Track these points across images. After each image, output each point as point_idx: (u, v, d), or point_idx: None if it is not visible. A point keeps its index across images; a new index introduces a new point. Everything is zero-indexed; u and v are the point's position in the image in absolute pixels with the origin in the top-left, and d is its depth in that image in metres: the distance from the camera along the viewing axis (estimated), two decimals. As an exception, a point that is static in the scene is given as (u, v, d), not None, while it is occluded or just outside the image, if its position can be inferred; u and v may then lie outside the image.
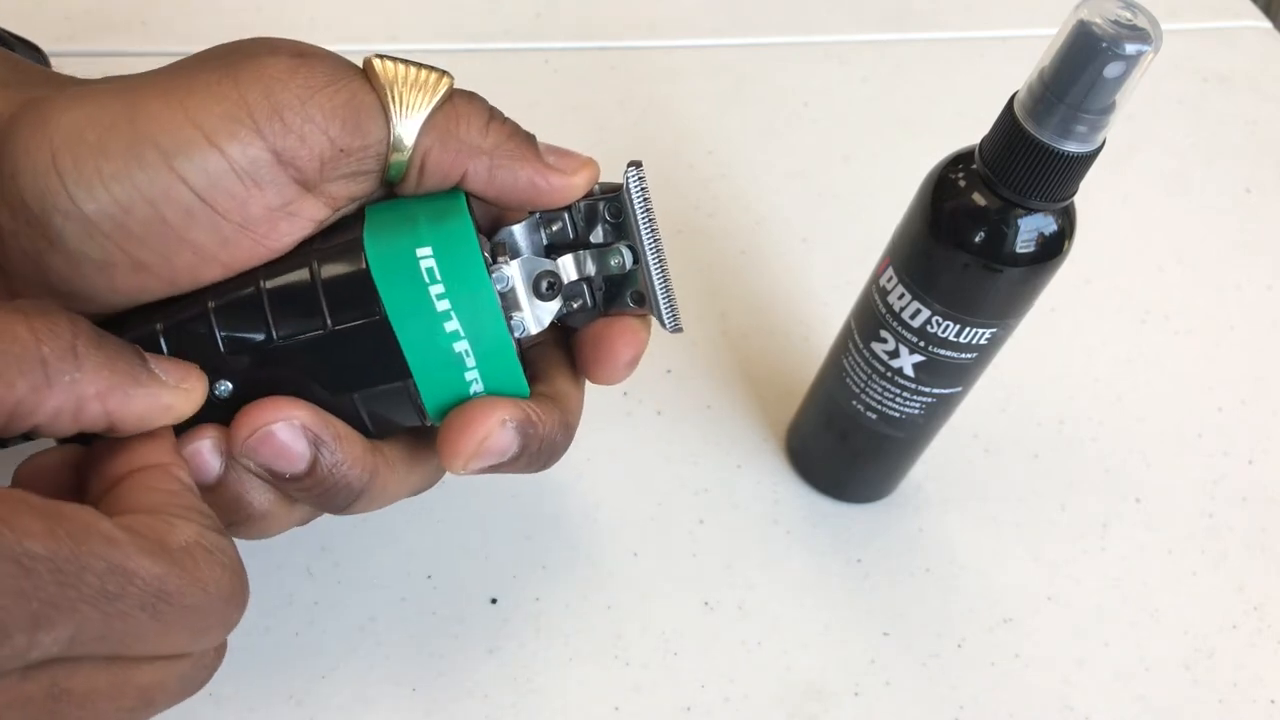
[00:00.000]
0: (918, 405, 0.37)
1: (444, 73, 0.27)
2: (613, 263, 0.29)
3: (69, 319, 0.23)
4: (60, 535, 0.20)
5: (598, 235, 0.29)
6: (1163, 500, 0.46)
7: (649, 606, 0.40)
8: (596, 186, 0.29)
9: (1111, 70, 0.28)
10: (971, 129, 0.34)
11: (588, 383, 0.31)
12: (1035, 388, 0.49)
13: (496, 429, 0.27)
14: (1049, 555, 0.44)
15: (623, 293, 0.29)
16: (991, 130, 0.31)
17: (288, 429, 0.26)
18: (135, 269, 0.26)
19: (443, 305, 0.26)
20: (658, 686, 0.38)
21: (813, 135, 0.57)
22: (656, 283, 0.29)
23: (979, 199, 0.32)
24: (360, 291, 0.26)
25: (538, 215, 0.29)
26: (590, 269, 0.29)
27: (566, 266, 0.29)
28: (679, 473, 0.44)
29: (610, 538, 0.41)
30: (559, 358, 0.31)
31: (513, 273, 0.28)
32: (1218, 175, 0.60)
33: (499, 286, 0.27)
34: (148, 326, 0.26)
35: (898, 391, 0.37)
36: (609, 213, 0.29)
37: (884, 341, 0.36)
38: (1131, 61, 0.28)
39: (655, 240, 0.29)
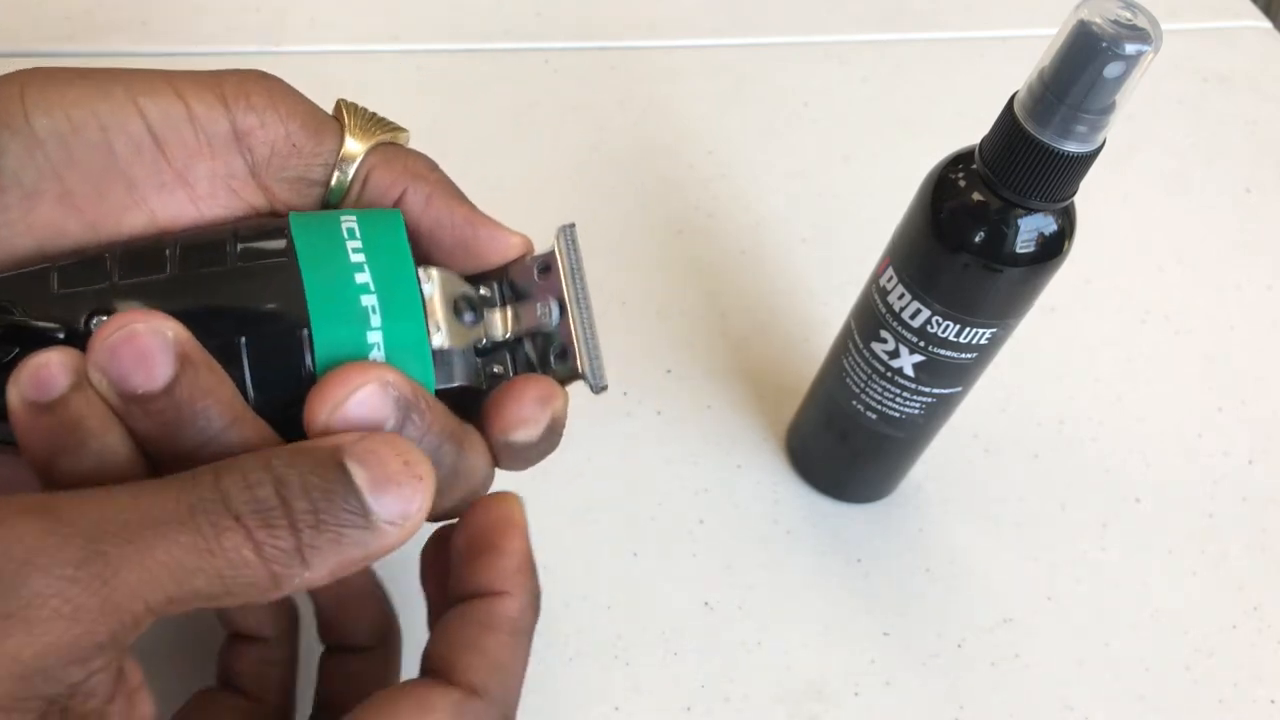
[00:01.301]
0: (918, 405, 0.37)
1: (402, 127, 0.29)
2: (539, 313, 0.28)
3: (290, 526, 0.22)
4: None
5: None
6: (1163, 500, 0.46)
7: (649, 606, 0.40)
8: (529, 258, 0.29)
9: (1111, 70, 0.28)
10: (971, 129, 0.34)
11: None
12: (1035, 388, 0.49)
13: (374, 388, 0.24)
14: (1049, 555, 0.44)
15: (547, 355, 0.28)
16: (991, 130, 0.31)
17: (154, 336, 0.23)
18: (61, 200, 0.26)
19: (357, 258, 0.26)
20: (658, 686, 0.38)
21: (813, 135, 0.57)
22: (581, 334, 0.28)
23: (979, 199, 0.32)
24: (273, 236, 0.26)
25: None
26: (515, 326, 0.28)
27: (492, 323, 0.28)
28: (679, 473, 0.44)
29: (610, 538, 0.41)
30: (471, 425, 0.29)
31: (432, 283, 0.27)
32: (1218, 175, 0.60)
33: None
34: (40, 266, 0.25)
35: (898, 391, 0.37)
36: (538, 270, 0.28)
37: (884, 341, 0.36)
38: (1131, 61, 0.28)
39: (583, 294, 0.28)
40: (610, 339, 0.30)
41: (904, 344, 0.35)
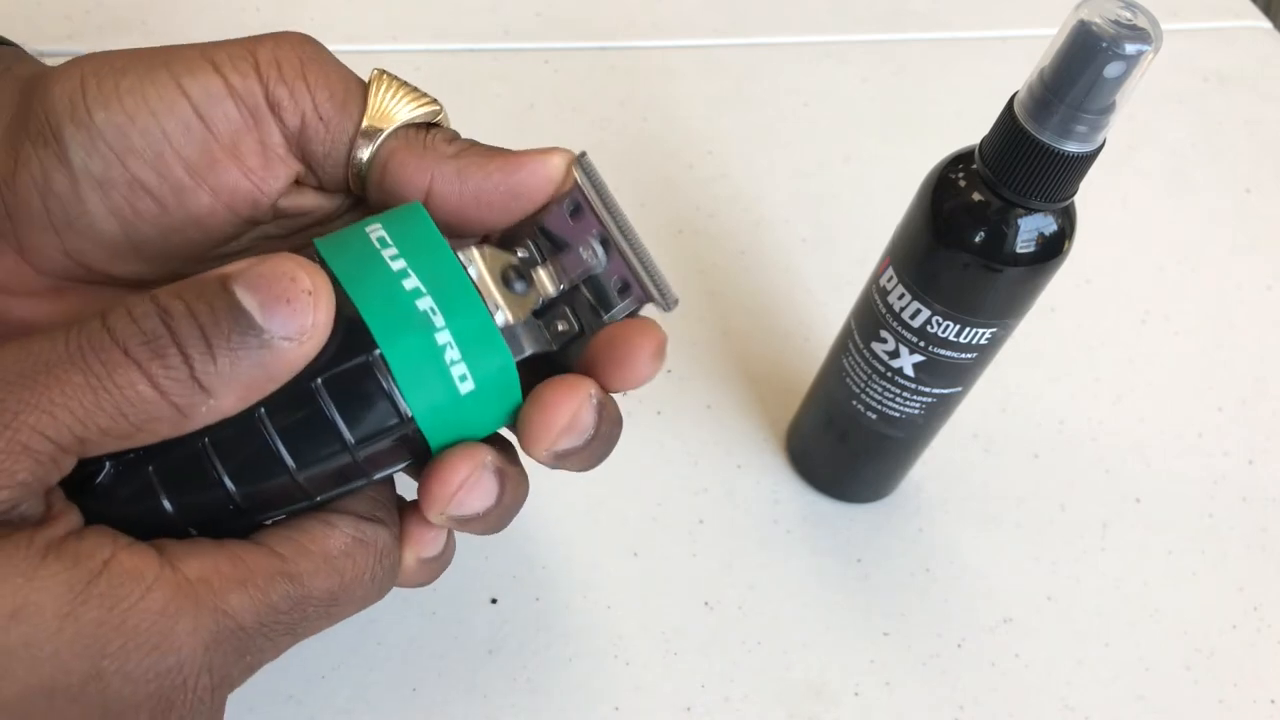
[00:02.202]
0: (918, 405, 0.37)
1: (435, 101, 0.29)
2: (584, 257, 0.27)
3: (180, 352, 0.23)
4: (259, 600, 0.24)
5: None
6: (1163, 500, 0.46)
7: (649, 606, 0.40)
8: (555, 204, 0.28)
9: (1111, 70, 0.28)
10: (971, 129, 0.34)
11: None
12: (1035, 388, 0.49)
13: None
14: (1049, 555, 0.44)
15: (607, 295, 0.28)
16: (991, 130, 0.31)
17: (484, 472, 0.27)
18: (131, 188, 0.27)
19: (398, 265, 0.25)
20: (658, 686, 0.38)
21: (813, 135, 0.57)
22: (636, 259, 0.27)
23: (979, 199, 0.32)
24: None
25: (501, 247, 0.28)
26: (565, 278, 0.28)
27: (542, 282, 0.28)
28: (679, 473, 0.44)
29: (610, 538, 0.41)
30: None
31: (475, 264, 0.27)
32: (1218, 175, 0.60)
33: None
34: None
35: (898, 391, 0.37)
36: (569, 212, 0.27)
37: (884, 341, 0.36)
38: (1131, 61, 0.28)
39: (621, 220, 0.27)
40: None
41: (904, 344, 0.35)
